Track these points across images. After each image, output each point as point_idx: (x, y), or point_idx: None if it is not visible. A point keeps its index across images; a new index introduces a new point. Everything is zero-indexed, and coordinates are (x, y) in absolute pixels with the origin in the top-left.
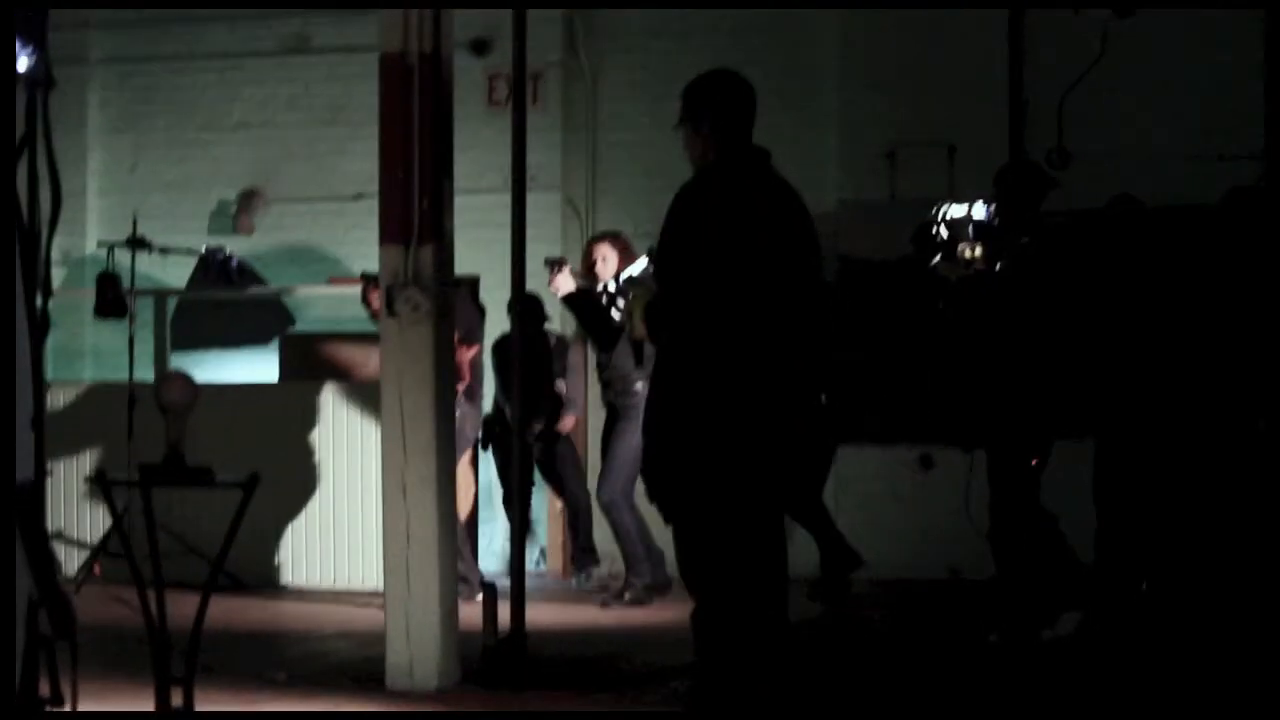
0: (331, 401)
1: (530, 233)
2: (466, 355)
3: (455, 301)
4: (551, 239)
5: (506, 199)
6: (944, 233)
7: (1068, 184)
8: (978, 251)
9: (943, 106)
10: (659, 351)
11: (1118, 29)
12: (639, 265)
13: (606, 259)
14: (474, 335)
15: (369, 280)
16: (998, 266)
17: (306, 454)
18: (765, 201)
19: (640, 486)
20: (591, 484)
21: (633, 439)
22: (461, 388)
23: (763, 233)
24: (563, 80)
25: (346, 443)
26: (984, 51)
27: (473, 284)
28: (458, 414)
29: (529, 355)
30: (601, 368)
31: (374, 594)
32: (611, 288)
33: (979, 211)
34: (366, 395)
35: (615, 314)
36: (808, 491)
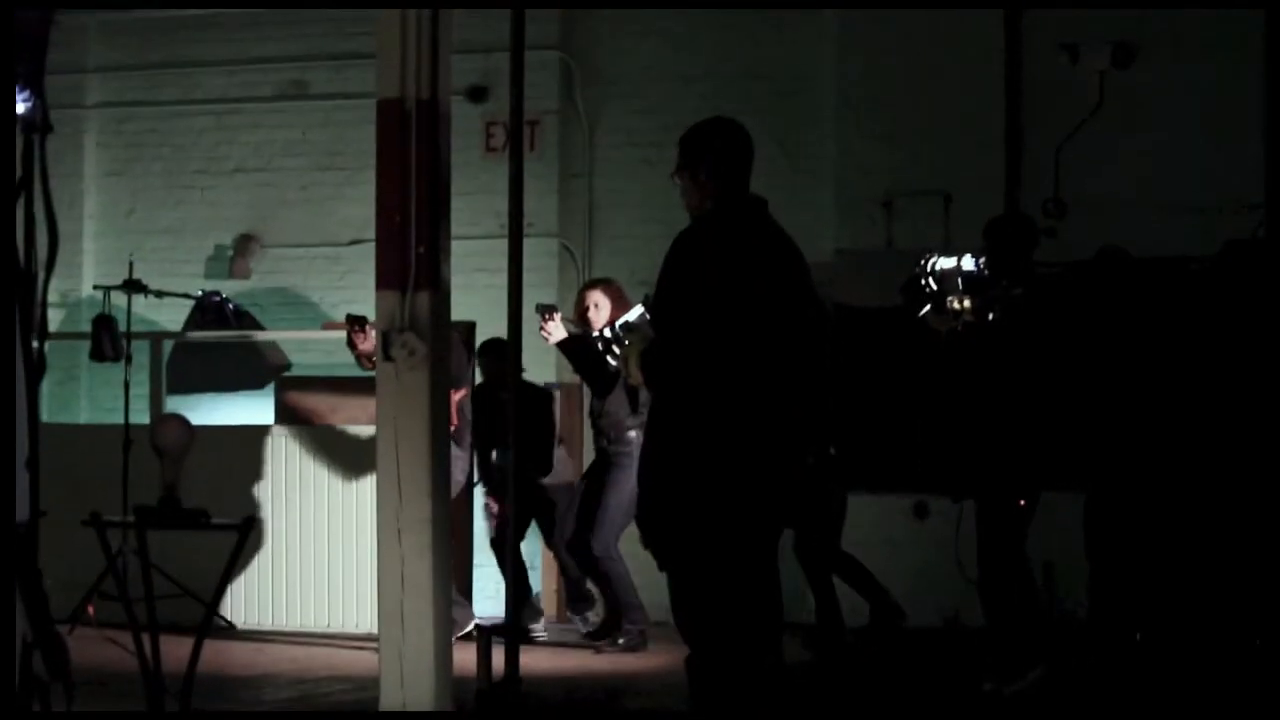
0: (326, 445)
1: (526, 279)
2: (455, 399)
3: (452, 346)
4: (548, 285)
5: (503, 245)
6: (932, 284)
7: (1065, 234)
8: (966, 303)
9: (940, 155)
10: (654, 398)
11: (1116, 79)
12: (634, 313)
13: (599, 306)
14: (463, 379)
15: (354, 322)
16: (989, 317)
17: (301, 497)
18: (763, 249)
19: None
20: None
21: (625, 489)
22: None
23: (760, 280)
24: (560, 127)
25: (341, 486)
26: (981, 101)
27: (465, 329)
28: None
29: (502, 402)
30: (595, 414)
31: (368, 638)
32: (607, 334)
33: (968, 263)
34: (361, 439)
35: (611, 360)
36: (825, 543)
